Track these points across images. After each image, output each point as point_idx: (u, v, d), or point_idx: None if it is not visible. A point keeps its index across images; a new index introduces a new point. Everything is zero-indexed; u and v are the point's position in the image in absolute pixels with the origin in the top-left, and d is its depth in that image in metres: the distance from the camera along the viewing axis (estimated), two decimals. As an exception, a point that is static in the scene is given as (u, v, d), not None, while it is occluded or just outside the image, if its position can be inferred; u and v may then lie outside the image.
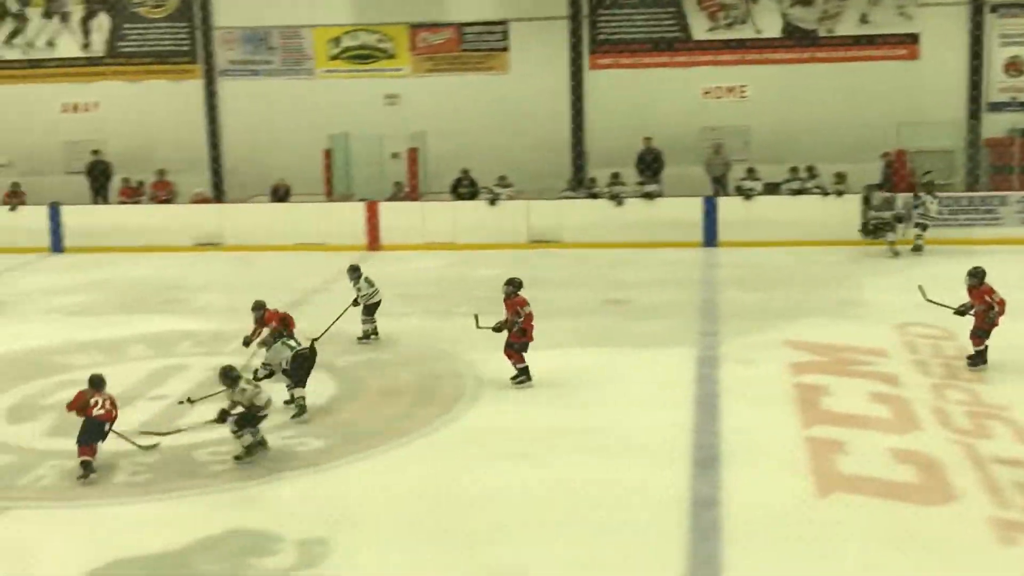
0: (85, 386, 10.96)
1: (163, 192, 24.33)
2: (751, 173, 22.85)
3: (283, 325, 12.90)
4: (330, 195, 24.19)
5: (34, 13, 25.33)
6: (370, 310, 15.34)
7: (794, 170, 22.61)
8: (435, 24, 24.90)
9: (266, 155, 24.60)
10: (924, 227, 20.61)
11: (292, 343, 12.44)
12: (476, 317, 13.10)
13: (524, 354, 13.01)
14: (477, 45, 24.89)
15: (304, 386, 12.23)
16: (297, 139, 24.41)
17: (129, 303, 18.24)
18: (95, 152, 24.84)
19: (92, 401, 10.83)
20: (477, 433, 11.53)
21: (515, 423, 11.73)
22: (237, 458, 10.80)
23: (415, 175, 24.21)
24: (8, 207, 23.70)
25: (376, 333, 15.42)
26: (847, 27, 24.18)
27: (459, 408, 12.36)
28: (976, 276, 13.21)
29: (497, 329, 13.00)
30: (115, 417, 10.93)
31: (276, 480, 10.44)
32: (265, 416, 10.99)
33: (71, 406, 10.92)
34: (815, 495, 9.62)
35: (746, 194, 22.37)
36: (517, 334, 12.96)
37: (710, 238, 21.97)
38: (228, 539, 9.08)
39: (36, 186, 24.47)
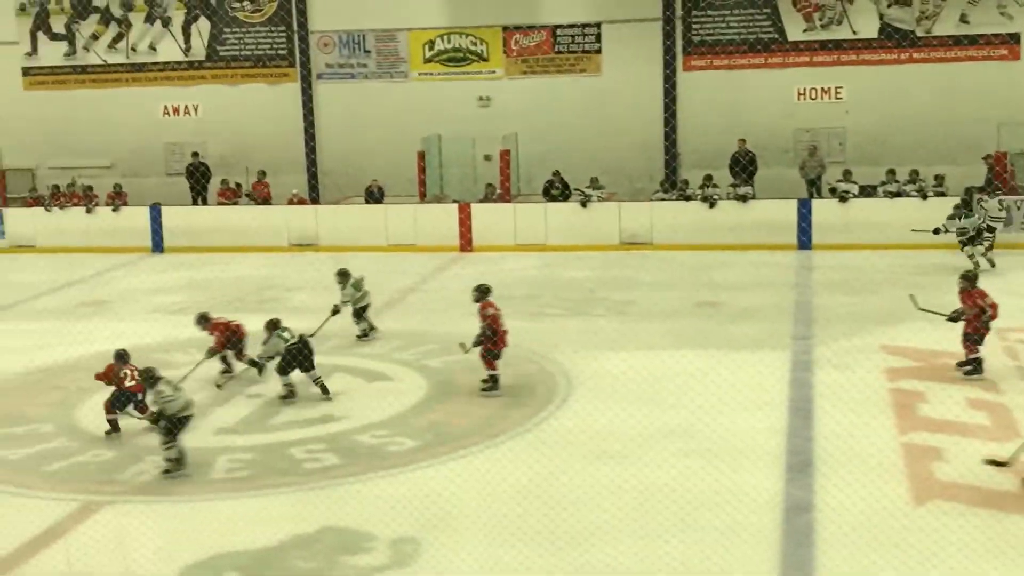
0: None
1: (261, 193, 24.75)
2: (847, 175, 22.52)
3: (232, 334, 13.63)
4: (423, 197, 24.39)
5: (137, 18, 25.94)
6: (360, 312, 15.65)
7: (891, 172, 22.24)
8: (528, 26, 24.97)
9: (361, 157, 24.90)
10: (991, 229, 19.93)
11: (286, 335, 12.95)
12: (462, 345, 13.03)
13: (497, 361, 12.96)
14: (570, 47, 24.90)
15: (306, 371, 12.86)
16: (391, 141, 24.66)
17: (227, 302, 18.54)
18: (195, 154, 25.36)
19: (122, 373, 11.68)
20: (569, 434, 11.53)
21: (607, 424, 11.71)
22: (166, 472, 10.68)
23: (507, 177, 24.30)
24: (111, 208, 24.31)
25: (374, 328, 15.76)
26: (946, 27, 23.73)
27: (551, 409, 12.38)
28: (967, 279, 12.87)
29: (476, 343, 12.89)
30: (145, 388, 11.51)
31: (369, 479, 10.56)
32: (188, 419, 10.89)
33: (101, 376, 11.83)
34: (911, 502, 9.45)
35: (842, 196, 22.05)
36: (488, 340, 12.92)
37: (804, 241, 21.70)
38: (322, 536, 9.21)
39: (137, 187, 25.08)
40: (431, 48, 25.21)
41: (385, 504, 9.88)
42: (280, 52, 25.69)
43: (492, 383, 12.97)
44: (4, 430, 12.21)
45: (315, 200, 25.41)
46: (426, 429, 11.89)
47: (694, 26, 24.53)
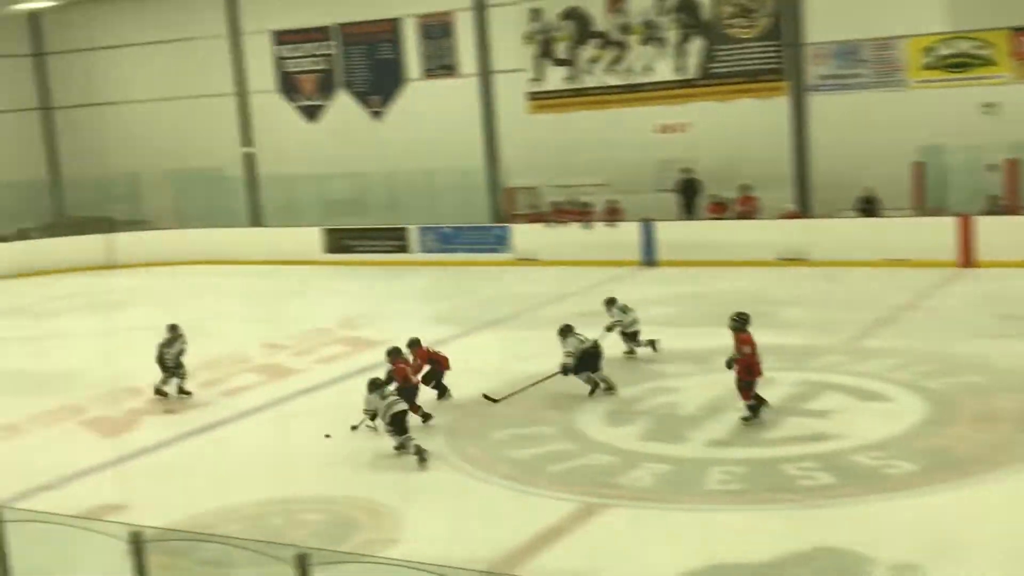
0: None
1: (747, 207, 24.80)
2: None
3: (435, 364, 14.40)
4: (920, 209, 23.30)
5: (634, 41, 26.89)
6: (631, 335, 16.07)
7: None
8: (1041, 26, 23.12)
9: (853, 169, 24.18)
10: None
11: (582, 337, 14.20)
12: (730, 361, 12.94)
13: (753, 391, 12.64)
14: (1090, 46, 22.77)
15: (593, 371, 14.16)
16: (886, 152, 23.73)
17: (716, 316, 18.58)
18: (686, 170, 25.85)
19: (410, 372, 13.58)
20: (1091, 469, 10.56)
21: None
22: (420, 461, 12.04)
23: (1015, 188, 22.66)
24: (607, 223, 25.37)
25: (644, 345, 16.13)
26: None
27: (1069, 440, 11.40)
28: None
29: (728, 365, 12.82)
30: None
31: (866, 501, 10.24)
32: (402, 413, 12.28)
33: (401, 374, 13.32)
34: None
35: None
36: (743, 371, 12.59)
37: None
38: (819, 556, 9.03)
39: (630, 203, 25.93)
40: (931, 54, 24.04)
41: (884, 527, 9.54)
42: (771, 66, 25.57)
43: (751, 413, 12.63)
44: (513, 431, 13.06)
45: (806, 214, 25.02)
46: (926, 453, 11.34)
47: None
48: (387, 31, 29.58)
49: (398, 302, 22.56)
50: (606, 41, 27.18)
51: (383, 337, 18.41)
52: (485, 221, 27.84)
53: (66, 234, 30.38)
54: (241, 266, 27.84)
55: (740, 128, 25.79)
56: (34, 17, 33.51)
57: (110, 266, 29.05)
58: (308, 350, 18.16)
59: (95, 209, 32.32)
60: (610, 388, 14.26)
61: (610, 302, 16.32)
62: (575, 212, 26.14)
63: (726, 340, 16.16)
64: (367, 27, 29.83)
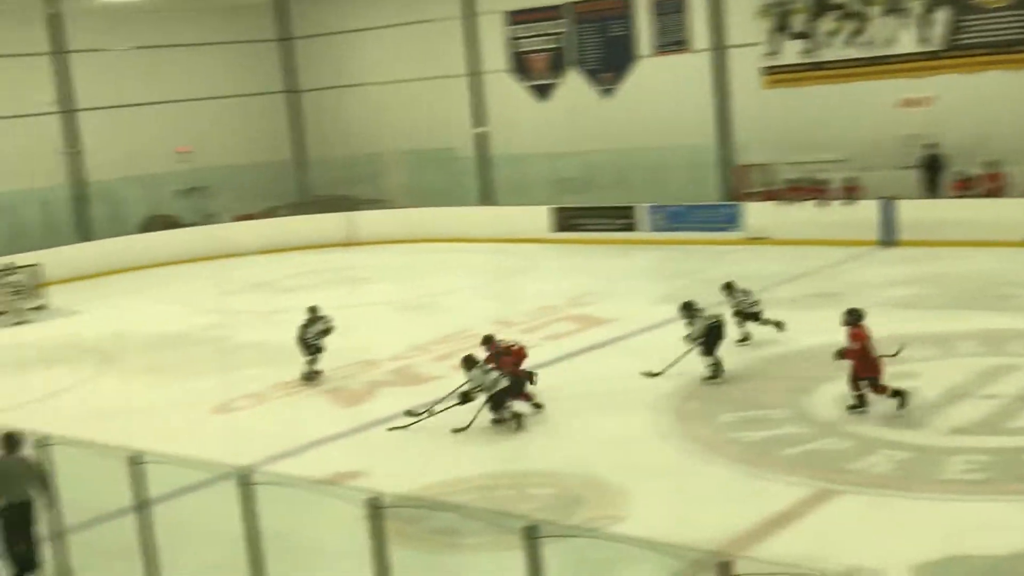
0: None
1: (994, 184, 23.59)
2: None
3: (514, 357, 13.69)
4: None
5: (875, 12, 25.93)
6: (749, 316, 15.88)
7: None
8: None
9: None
10: None
11: (707, 314, 14.27)
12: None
13: (863, 385, 12.28)
14: None
15: (711, 355, 14.08)
16: None
17: (961, 298, 17.94)
18: (929, 145, 24.80)
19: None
20: None
21: None
22: (518, 427, 12.60)
23: None
24: (844, 201, 24.60)
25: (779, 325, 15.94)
26: None
27: None
28: None
29: (836, 356, 12.54)
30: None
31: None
32: (506, 390, 12.64)
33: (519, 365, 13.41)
34: None
35: None
36: (860, 368, 12.25)
37: None
38: (1068, 552, 8.57)
39: (869, 180, 25.07)
40: None
41: None
42: (1023, 36, 24.18)
43: (858, 403, 12.38)
44: (741, 413, 12.87)
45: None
46: None
47: None
48: (619, 8, 29.49)
49: (625, 281, 22.54)
50: (846, 13, 26.30)
51: (611, 315, 18.52)
52: (714, 199, 27.46)
53: (310, 212, 31.72)
54: (473, 244, 28.42)
55: (988, 101, 24.58)
56: (280, 3, 35.05)
57: (350, 243, 30.18)
58: (537, 327, 18.37)
59: (337, 188, 33.65)
60: (719, 369, 14.28)
61: (728, 287, 16.17)
62: (810, 189, 25.47)
63: (969, 324, 15.57)
64: (599, 4, 29.82)
